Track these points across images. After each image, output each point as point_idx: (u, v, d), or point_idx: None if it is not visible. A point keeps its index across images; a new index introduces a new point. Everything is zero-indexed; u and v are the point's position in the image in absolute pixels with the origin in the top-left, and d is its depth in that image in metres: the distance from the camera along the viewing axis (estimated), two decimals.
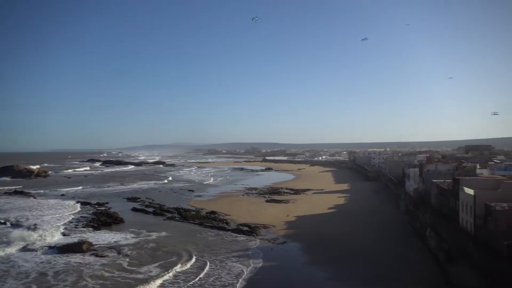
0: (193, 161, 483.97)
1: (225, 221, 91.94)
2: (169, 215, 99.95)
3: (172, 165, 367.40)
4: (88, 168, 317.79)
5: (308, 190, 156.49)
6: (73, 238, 72.39)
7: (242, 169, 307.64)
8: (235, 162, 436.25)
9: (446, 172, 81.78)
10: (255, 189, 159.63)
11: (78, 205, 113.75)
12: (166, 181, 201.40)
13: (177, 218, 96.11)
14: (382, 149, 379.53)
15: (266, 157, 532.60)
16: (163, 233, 78.76)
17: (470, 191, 52.03)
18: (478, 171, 79.02)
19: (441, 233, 63.16)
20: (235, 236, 77.29)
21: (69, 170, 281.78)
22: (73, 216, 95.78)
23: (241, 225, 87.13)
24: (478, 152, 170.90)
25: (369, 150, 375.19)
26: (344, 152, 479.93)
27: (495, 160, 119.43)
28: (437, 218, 67.61)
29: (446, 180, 72.68)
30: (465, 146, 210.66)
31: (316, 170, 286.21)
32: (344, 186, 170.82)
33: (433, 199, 76.41)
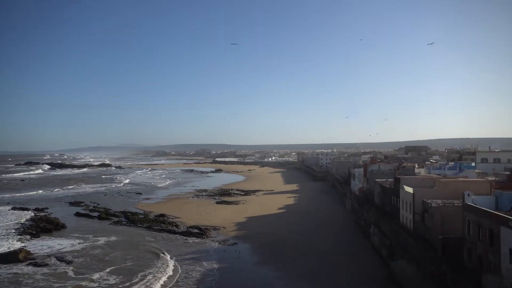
0: (141, 163, 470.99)
1: (174, 224, 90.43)
2: (116, 219, 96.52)
3: (119, 167, 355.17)
4: (31, 171, 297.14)
5: (258, 191, 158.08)
6: (8, 247, 67.45)
7: (192, 170, 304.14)
8: (184, 164, 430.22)
9: (388, 172, 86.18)
10: (205, 190, 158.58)
11: (14, 211, 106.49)
12: (112, 184, 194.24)
13: (124, 222, 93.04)
14: (329, 150, 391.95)
15: (216, 159, 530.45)
16: (113, 238, 76.03)
17: (409, 189, 55.28)
18: (416, 170, 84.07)
19: (384, 230, 66.55)
20: (185, 239, 76.31)
21: (7, 174, 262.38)
22: (8, 223, 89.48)
23: (191, 227, 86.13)
24: (416, 152, 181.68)
25: (317, 151, 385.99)
26: (294, 153, 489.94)
27: (431, 160, 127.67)
28: (380, 215, 71.13)
29: (388, 180, 76.65)
30: (405, 147, 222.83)
31: (266, 171, 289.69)
32: (294, 187, 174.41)
33: (376, 198, 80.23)
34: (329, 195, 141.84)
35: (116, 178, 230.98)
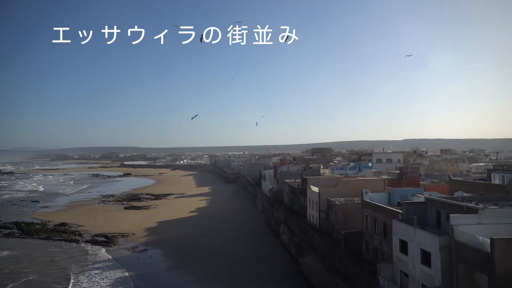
0: (38, 168, 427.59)
1: (78, 232, 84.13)
2: (6, 231, 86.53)
3: (11, 172, 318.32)
4: None
5: (170, 194, 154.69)
6: None
7: (97, 175, 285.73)
8: (89, 168, 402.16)
9: (297, 173, 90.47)
10: (113, 196, 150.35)
11: None
12: (3, 192, 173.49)
13: (17, 234, 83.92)
14: (241, 153, 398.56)
15: (125, 162, 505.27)
16: (5, 253, 68.18)
17: (315, 189, 58.81)
18: (321, 171, 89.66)
19: (293, 228, 69.77)
20: (90, 248, 71.48)
21: None
22: None
23: (97, 235, 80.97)
24: (322, 154, 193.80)
25: (230, 153, 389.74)
26: (206, 156, 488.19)
27: (334, 161, 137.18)
28: (289, 214, 74.44)
29: (297, 180, 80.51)
30: (311, 149, 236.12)
31: (177, 174, 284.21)
32: (206, 189, 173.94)
33: (286, 198, 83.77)
34: (241, 197, 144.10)
35: (8, 185, 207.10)
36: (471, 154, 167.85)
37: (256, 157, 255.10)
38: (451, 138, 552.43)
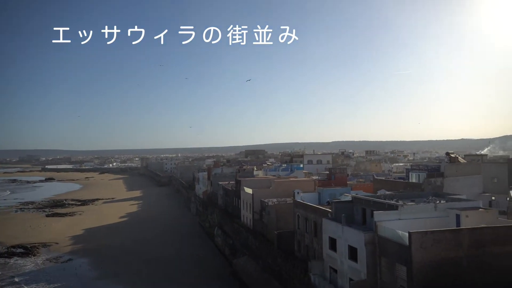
0: None
1: None
2: None
3: None
4: None
5: (98, 199, 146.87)
6: None
7: (14, 180, 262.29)
8: (5, 173, 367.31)
9: (230, 175, 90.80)
10: (33, 203, 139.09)
11: None
12: None
13: None
14: (174, 155, 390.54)
15: (47, 166, 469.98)
16: None
17: (249, 190, 59.49)
18: (255, 172, 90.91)
19: (227, 230, 69.85)
20: (5, 261, 65.36)
21: None
22: None
23: (14, 246, 74.28)
24: (255, 156, 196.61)
25: (162, 156, 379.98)
26: (137, 159, 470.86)
27: (267, 163, 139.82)
28: (224, 216, 74.43)
29: (230, 182, 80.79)
30: (245, 151, 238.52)
31: (106, 178, 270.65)
32: (137, 193, 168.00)
33: (220, 200, 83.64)
34: (174, 200, 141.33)
35: None
36: (392, 155, 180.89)
37: (190, 160, 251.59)
38: (375, 140, 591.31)
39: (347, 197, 38.50)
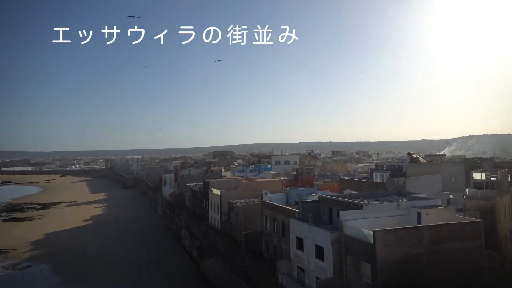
0: None
1: None
2: None
3: None
4: None
5: (59, 203, 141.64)
6: None
7: None
8: None
9: (198, 176, 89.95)
10: None
11: None
12: None
13: None
14: (140, 156, 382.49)
15: (3, 168, 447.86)
16: None
17: (217, 192, 59.25)
18: (223, 173, 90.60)
19: (195, 232, 69.20)
20: None
21: None
22: None
23: None
24: (223, 157, 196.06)
25: (127, 157, 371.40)
26: (101, 160, 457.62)
27: (235, 164, 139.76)
28: (191, 218, 73.68)
29: (198, 183, 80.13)
30: (212, 152, 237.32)
31: (68, 181, 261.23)
32: (101, 196, 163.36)
33: (187, 201, 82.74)
34: (140, 202, 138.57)
35: None
36: (357, 155, 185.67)
37: (156, 161, 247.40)
38: (341, 140, 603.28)
39: (314, 197, 39.14)
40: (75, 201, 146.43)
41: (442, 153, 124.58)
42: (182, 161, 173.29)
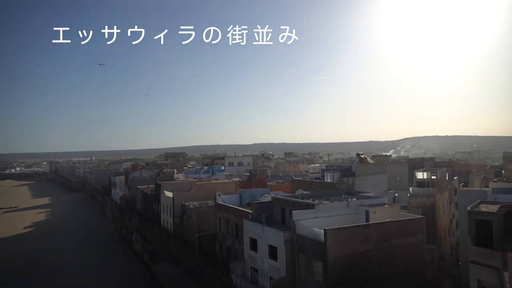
0: None
1: None
2: None
3: None
4: None
5: None
6: None
7: None
8: None
9: (150, 178, 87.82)
10: None
11: None
12: None
13: None
14: (88, 158, 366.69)
15: None
16: None
17: (169, 194, 58.14)
18: (175, 175, 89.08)
19: (146, 236, 67.44)
20: None
21: None
22: None
23: None
24: (175, 158, 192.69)
25: (74, 159, 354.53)
26: (45, 163, 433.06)
27: (188, 165, 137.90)
28: (142, 222, 71.71)
29: (150, 186, 78.19)
30: (165, 154, 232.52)
31: (8, 185, 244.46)
32: (45, 200, 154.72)
33: (138, 204, 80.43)
34: (88, 206, 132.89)
35: None
36: (309, 156, 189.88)
37: (106, 163, 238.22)
38: (293, 142, 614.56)
39: (267, 198, 39.58)
40: (15, 207, 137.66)
41: (388, 153, 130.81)
42: (133, 163, 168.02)
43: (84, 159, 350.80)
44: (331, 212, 30.58)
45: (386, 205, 31.89)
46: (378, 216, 29.37)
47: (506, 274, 15.78)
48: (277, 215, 34.42)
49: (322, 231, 25.36)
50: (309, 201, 32.42)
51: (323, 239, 25.26)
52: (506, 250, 17.16)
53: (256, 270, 33.42)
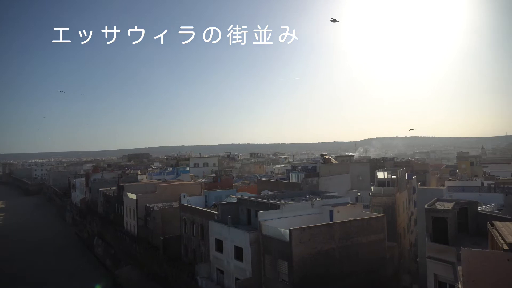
0: None
1: None
2: None
3: None
4: None
5: None
6: None
7: None
8: None
9: (112, 180, 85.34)
10: None
11: None
12: None
13: None
14: (45, 160, 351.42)
15: None
16: None
17: (132, 196, 56.80)
18: (139, 177, 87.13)
19: (108, 239, 65.56)
20: None
21: None
22: None
23: None
24: (139, 160, 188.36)
25: (30, 161, 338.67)
26: None
27: (152, 167, 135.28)
28: (104, 225, 69.62)
29: (112, 188, 76.03)
30: (128, 155, 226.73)
31: None
32: None
33: (100, 207, 77.98)
34: (46, 210, 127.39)
35: None
36: (274, 157, 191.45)
37: (65, 165, 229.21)
38: (258, 143, 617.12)
39: (233, 199, 39.57)
40: None
41: (351, 154, 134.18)
42: (94, 164, 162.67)
43: (41, 160, 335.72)
44: (296, 212, 31.03)
45: (349, 204, 32.74)
46: (342, 215, 30.12)
47: (459, 268, 16.60)
48: (243, 216, 34.50)
49: (288, 231, 25.68)
50: (275, 201, 32.74)
51: (288, 239, 25.58)
52: (460, 246, 18.07)
53: (222, 272, 33.34)
